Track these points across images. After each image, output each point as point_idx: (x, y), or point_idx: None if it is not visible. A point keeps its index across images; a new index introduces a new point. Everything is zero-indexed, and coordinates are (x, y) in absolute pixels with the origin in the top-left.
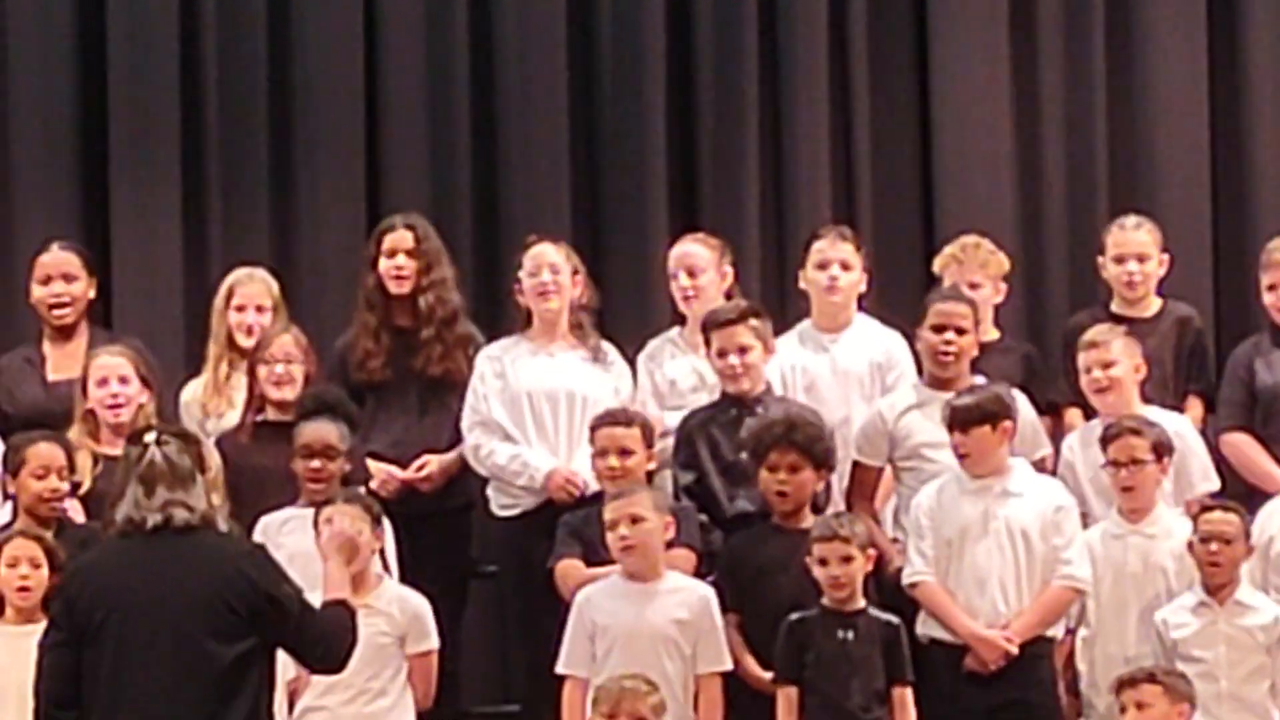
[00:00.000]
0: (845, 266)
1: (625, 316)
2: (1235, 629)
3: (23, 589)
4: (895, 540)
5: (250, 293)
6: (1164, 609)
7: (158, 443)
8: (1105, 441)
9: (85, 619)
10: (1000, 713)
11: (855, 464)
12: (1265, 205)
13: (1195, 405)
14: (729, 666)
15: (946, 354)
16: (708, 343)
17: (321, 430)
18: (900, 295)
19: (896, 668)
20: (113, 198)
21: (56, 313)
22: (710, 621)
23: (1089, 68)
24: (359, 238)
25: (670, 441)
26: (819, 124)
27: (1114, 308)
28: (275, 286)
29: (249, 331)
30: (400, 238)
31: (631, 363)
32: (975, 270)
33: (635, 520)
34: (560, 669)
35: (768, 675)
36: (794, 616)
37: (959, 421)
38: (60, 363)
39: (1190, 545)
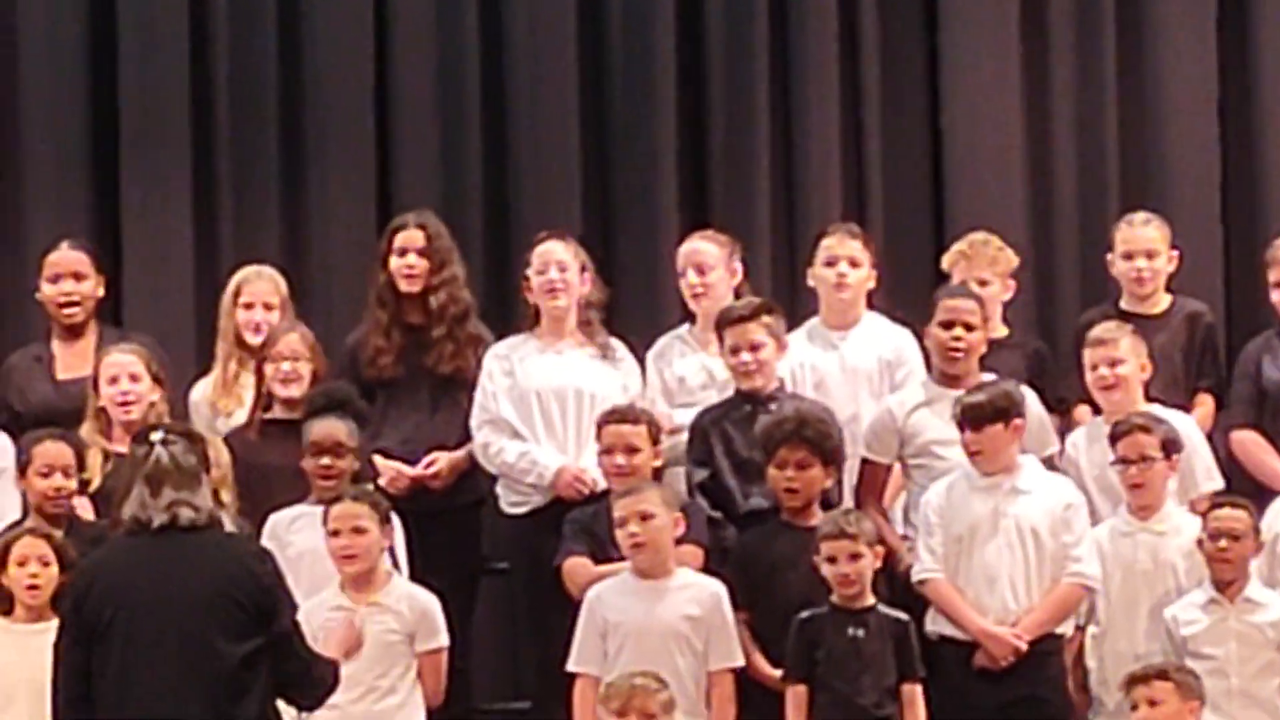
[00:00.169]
0: (854, 263)
1: (635, 314)
2: (1245, 625)
3: (32, 587)
4: (905, 538)
5: (258, 290)
6: (1173, 606)
7: (164, 442)
8: (1114, 439)
9: (94, 617)
10: (1010, 709)
11: (864, 461)
12: (1275, 202)
13: (1205, 402)
14: (741, 662)
15: (955, 350)
16: (721, 339)
17: (331, 427)
18: (910, 292)
19: (907, 665)
20: (123, 195)
21: (66, 311)
22: (721, 617)
23: (1099, 65)
24: (369, 235)
25: (680, 439)
26: (829, 121)
27: (1124, 304)
28: (283, 284)
29: (257, 329)
30: (412, 236)
31: (641, 360)
32: (984, 267)
33: (645, 517)
34: (571, 667)
35: (777, 673)
36: (804, 614)
37: (971, 419)
38: (70, 361)
39: (1199, 542)
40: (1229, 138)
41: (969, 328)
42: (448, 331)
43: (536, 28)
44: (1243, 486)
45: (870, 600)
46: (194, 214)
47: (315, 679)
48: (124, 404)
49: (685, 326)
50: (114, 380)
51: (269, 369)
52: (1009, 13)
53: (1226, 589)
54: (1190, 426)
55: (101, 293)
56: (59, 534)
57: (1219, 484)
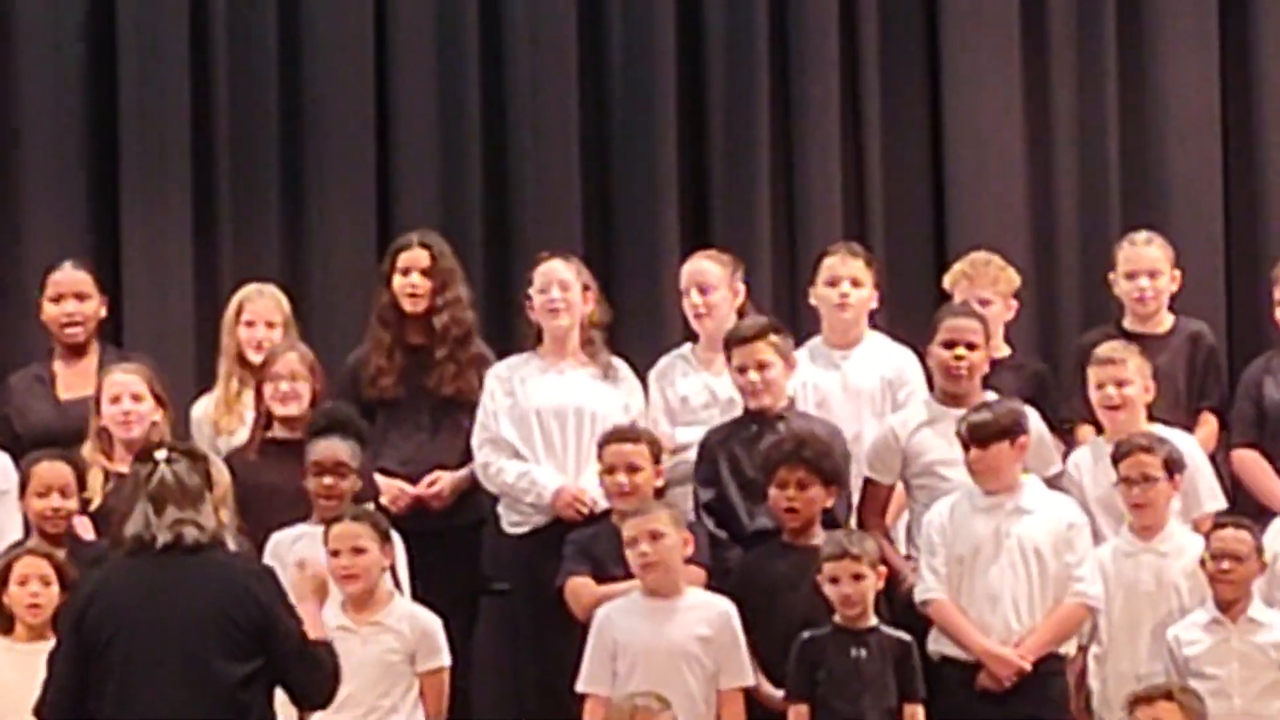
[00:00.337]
0: (856, 283)
1: (637, 333)
2: (1248, 646)
3: (33, 606)
4: (908, 558)
5: (260, 309)
6: (1176, 626)
7: (168, 461)
8: (1117, 459)
9: (94, 636)
10: None
11: (867, 481)
12: (1278, 221)
13: (1208, 422)
14: (751, 681)
15: (958, 370)
16: (729, 359)
17: (333, 447)
18: (912, 312)
19: (908, 685)
20: (123, 214)
21: (68, 331)
22: (732, 637)
23: (1101, 84)
24: (370, 254)
25: (682, 458)
26: (830, 140)
27: (1126, 324)
28: (285, 302)
29: (259, 347)
30: (415, 256)
31: (643, 379)
32: (986, 286)
33: (656, 536)
34: (581, 687)
35: (779, 693)
36: (806, 634)
37: (977, 437)
38: (71, 381)
39: (1202, 562)
40: (1231, 157)
41: (971, 347)
42: (450, 353)
43: (537, 47)
44: (1246, 507)
45: (872, 621)
46: (194, 233)
47: (321, 677)
48: (126, 423)
49: (688, 346)
50: (116, 399)
51: (267, 389)
52: (1010, 32)
53: (1229, 609)
54: (1193, 446)
55: (104, 313)
56: (60, 554)
57: (1222, 504)
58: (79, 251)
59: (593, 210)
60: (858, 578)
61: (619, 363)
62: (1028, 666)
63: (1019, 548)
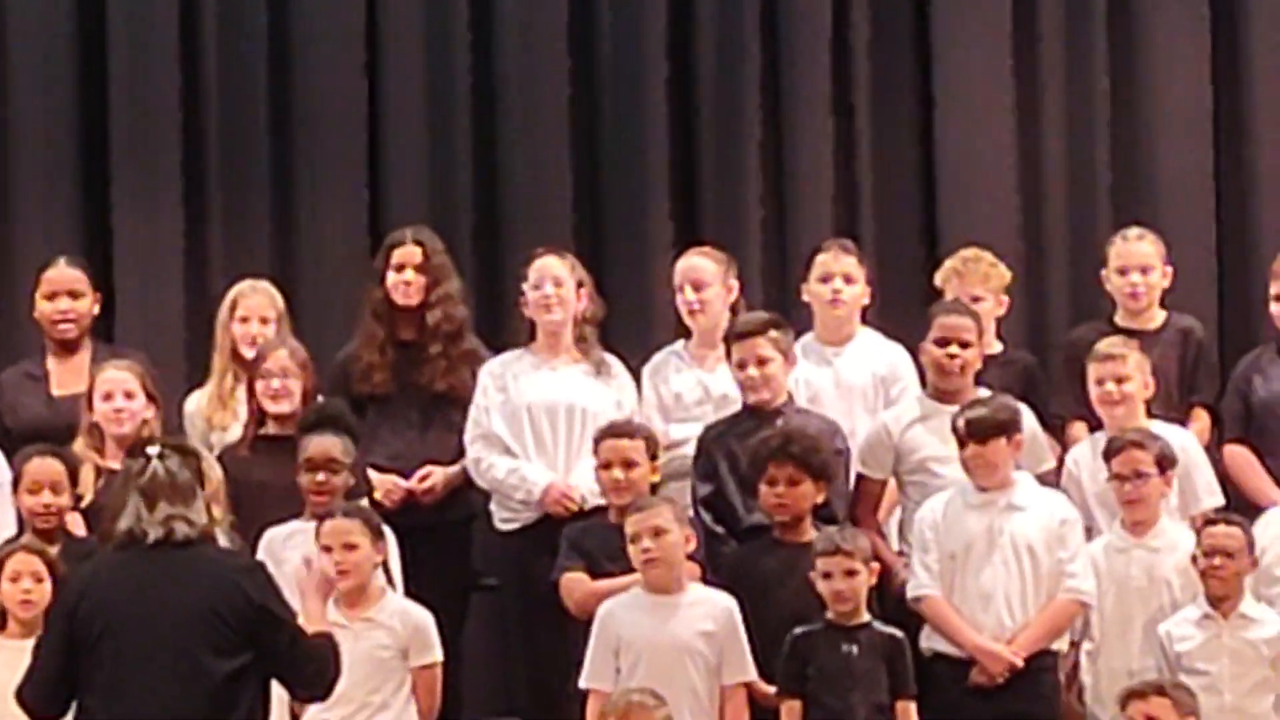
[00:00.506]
0: (848, 280)
1: (627, 329)
2: (1239, 642)
3: (25, 602)
4: (900, 554)
5: (253, 305)
6: (1167, 622)
7: (160, 456)
8: (1109, 455)
9: (84, 630)
10: None
11: (859, 477)
12: (1269, 216)
13: (1199, 417)
14: (754, 676)
15: (951, 367)
16: (729, 354)
17: (324, 444)
18: (903, 308)
19: (900, 681)
20: (114, 210)
21: (61, 328)
22: (734, 632)
23: (1091, 80)
24: (361, 250)
25: (676, 454)
26: (821, 136)
27: (1117, 320)
28: (279, 298)
29: (252, 343)
30: (408, 253)
31: (635, 376)
32: (976, 283)
33: (658, 533)
34: (583, 683)
35: (771, 689)
36: (798, 630)
37: (975, 433)
38: (64, 378)
39: (1194, 558)
40: (1222, 153)
41: (964, 345)
42: (442, 348)
43: (527, 42)
44: (1239, 502)
45: (865, 617)
46: (185, 228)
47: (320, 669)
48: (118, 420)
49: (681, 342)
50: (108, 396)
51: (259, 385)
52: (1001, 28)
53: (1220, 605)
54: (1191, 442)
55: (97, 311)
56: (52, 550)
57: (1220, 500)
58: (70, 247)
59: (583, 206)
60: (850, 574)
61: (612, 359)
62: (1020, 662)
63: (1011, 544)
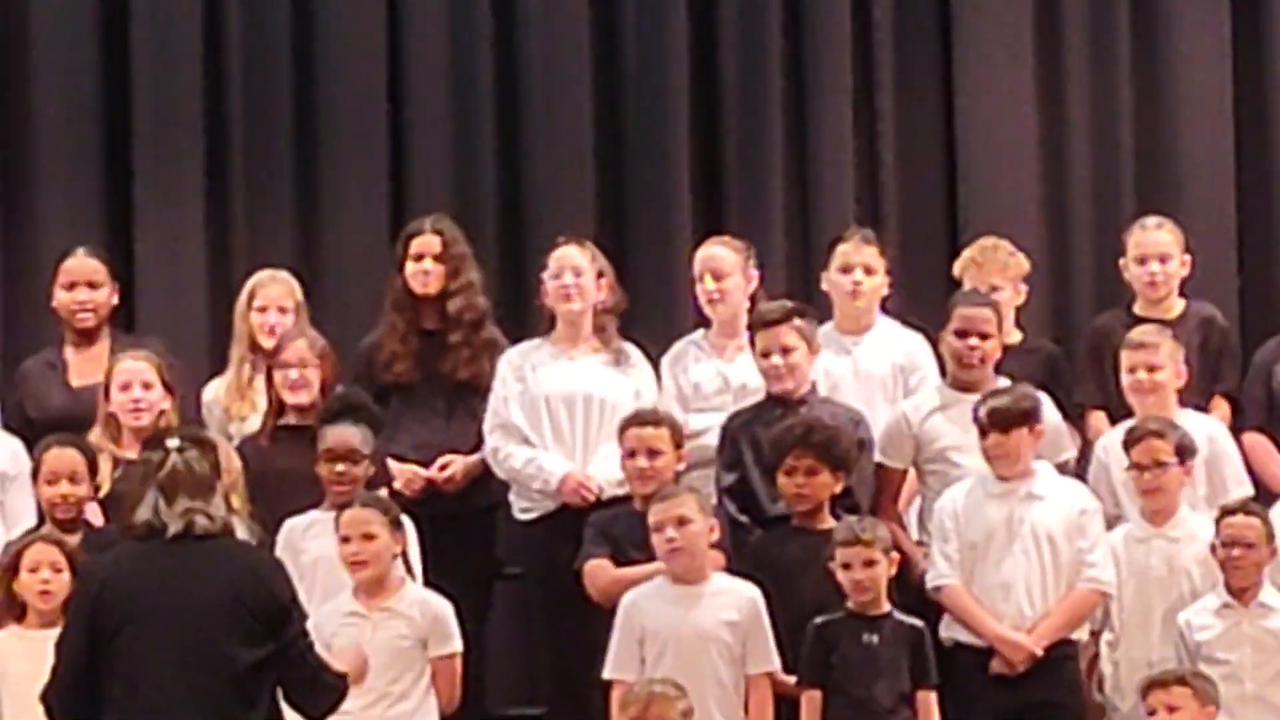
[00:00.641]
0: (869, 270)
1: (649, 319)
2: (1259, 631)
3: (44, 593)
4: (919, 543)
5: (272, 294)
6: (1187, 611)
7: (179, 450)
8: (1128, 444)
9: (106, 622)
10: (1025, 715)
11: (879, 467)
12: None
13: (1220, 406)
14: (778, 666)
15: (971, 359)
16: (752, 342)
17: (345, 434)
18: (925, 297)
19: (921, 671)
20: (136, 199)
21: (80, 317)
22: (758, 621)
23: (1114, 69)
24: (383, 239)
25: (698, 443)
26: (843, 126)
27: (1137, 309)
28: (297, 288)
29: (271, 332)
30: (427, 242)
31: (655, 365)
32: (995, 273)
33: (682, 522)
34: (608, 674)
35: (791, 679)
36: (819, 620)
37: (997, 422)
38: (83, 367)
39: (1213, 548)
40: (1244, 141)
41: (984, 336)
42: (464, 337)
43: (550, 33)
44: (1261, 489)
45: (886, 607)
46: (206, 218)
47: (324, 687)
48: (135, 411)
49: (700, 332)
50: (126, 387)
51: (278, 376)
52: (1023, 17)
53: (1241, 595)
54: (1222, 432)
55: (116, 301)
56: (71, 540)
57: (1248, 490)
58: (92, 238)
59: (605, 196)
60: (870, 564)
61: (632, 349)
62: (1040, 652)
63: (1031, 534)
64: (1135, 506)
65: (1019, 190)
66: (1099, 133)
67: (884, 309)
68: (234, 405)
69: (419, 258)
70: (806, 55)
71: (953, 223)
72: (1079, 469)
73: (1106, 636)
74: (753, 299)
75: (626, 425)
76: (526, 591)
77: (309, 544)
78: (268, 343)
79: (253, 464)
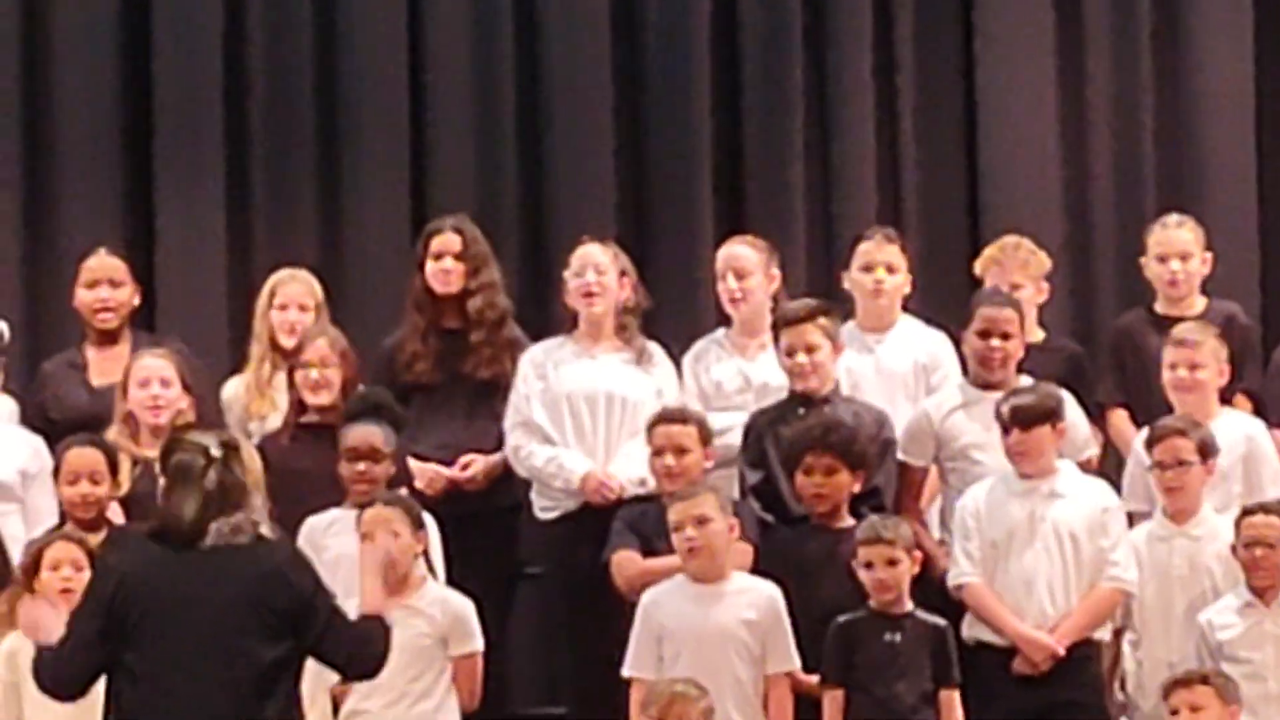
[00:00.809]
0: (890, 269)
1: (671, 318)
2: None
3: (65, 590)
4: (940, 541)
5: (292, 293)
6: (1208, 610)
7: (223, 460)
8: (1150, 443)
9: (121, 616)
10: (1048, 714)
11: (901, 465)
12: None
13: (1241, 404)
14: (797, 666)
15: (993, 359)
16: (776, 340)
17: (367, 433)
18: (946, 295)
19: (944, 670)
20: (157, 198)
21: (101, 317)
22: (778, 621)
23: (1135, 67)
24: (405, 238)
25: (723, 442)
26: (865, 125)
27: (1158, 308)
28: (318, 287)
29: (291, 330)
30: (447, 241)
31: (677, 364)
32: (1016, 271)
33: (702, 521)
34: (627, 672)
35: (813, 678)
36: (842, 618)
37: (1020, 419)
38: (104, 367)
39: (1233, 548)
40: (1265, 139)
41: (1006, 336)
42: (485, 337)
43: (571, 31)
44: None
45: (908, 606)
46: (228, 217)
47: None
48: (153, 409)
49: (721, 331)
50: (145, 383)
51: (298, 375)
52: (1044, 16)
53: (1263, 594)
54: (1260, 431)
55: (137, 300)
56: (93, 539)
57: None
58: (114, 238)
59: (626, 196)
60: (892, 563)
61: (654, 348)
62: (1062, 651)
63: (1054, 532)
64: None
65: (1040, 188)
66: (1120, 131)
67: (905, 307)
68: (254, 404)
69: (439, 257)
70: (828, 54)
71: (974, 221)
72: (1100, 467)
73: (1129, 636)
74: (775, 298)
75: (654, 423)
76: (547, 591)
77: (330, 542)
78: (288, 341)
79: (274, 462)
